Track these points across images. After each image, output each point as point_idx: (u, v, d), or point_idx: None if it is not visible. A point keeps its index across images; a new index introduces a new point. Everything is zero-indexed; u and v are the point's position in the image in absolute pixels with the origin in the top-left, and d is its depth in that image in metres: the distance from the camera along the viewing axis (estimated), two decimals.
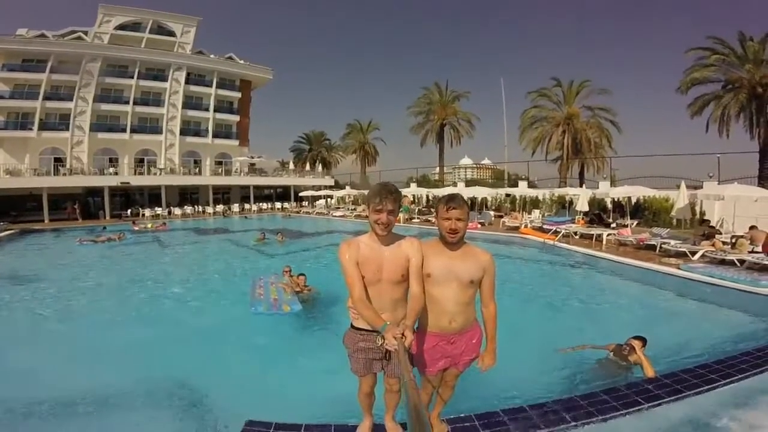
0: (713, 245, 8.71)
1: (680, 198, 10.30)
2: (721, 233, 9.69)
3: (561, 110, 24.70)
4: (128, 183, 27.07)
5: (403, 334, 1.78)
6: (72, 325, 6.72)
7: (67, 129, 27.41)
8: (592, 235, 11.91)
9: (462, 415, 2.96)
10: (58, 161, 26.97)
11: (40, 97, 26.41)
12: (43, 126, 26.89)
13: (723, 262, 8.14)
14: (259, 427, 2.91)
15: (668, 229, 10.70)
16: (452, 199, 2.21)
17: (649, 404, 3.06)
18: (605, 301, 7.28)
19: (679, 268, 7.99)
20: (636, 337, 4.26)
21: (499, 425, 2.84)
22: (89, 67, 27.96)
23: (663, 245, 9.60)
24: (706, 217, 11.74)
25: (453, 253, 2.24)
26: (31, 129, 26.44)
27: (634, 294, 7.75)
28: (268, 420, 3.00)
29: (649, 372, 3.98)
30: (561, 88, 24.89)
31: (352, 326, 2.37)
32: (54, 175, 25.03)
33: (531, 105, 25.90)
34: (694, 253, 8.82)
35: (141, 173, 28.77)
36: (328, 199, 31.06)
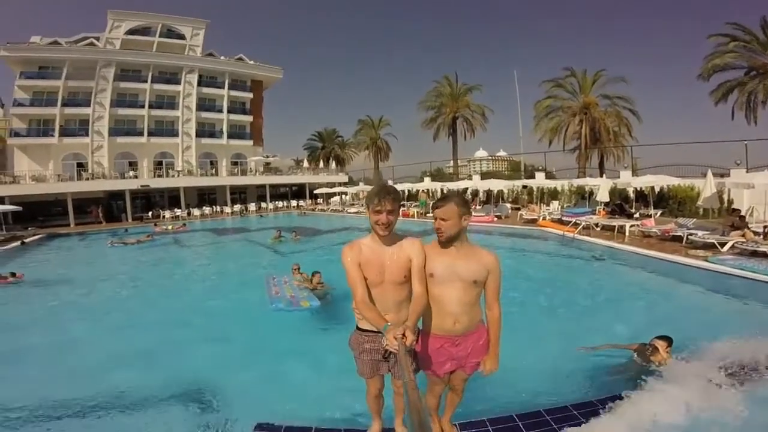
0: (744, 236, 8.26)
1: (707, 186, 9.82)
2: (749, 225, 9.12)
3: (577, 100, 24.18)
4: (148, 186, 27.62)
5: (403, 335, 1.75)
6: (99, 323, 6.87)
7: (87, 134, 28.13)
8: (614, 226, 11.53)
9: (474, 419, 2.90)
10: (80, 166, 27.74)
11: (59, 103, 27.18)
12: (64, 132, 27.66)
13: (754, 254, 7.69)
14: (269, 430, 2.91)
15: (694, 219, 10.23)
16: (439, 199, 2.24)
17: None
18: (629, 297, 6.98)
19: (707, 261, 7.61)
20: (661, 337, 4.04)
21: (514, 431, 2.76)
22: (104, 72, 28.61)
23: (690, 236, 9.18)
24: (735, 207, 11.15)
25: (457, 253, 2.22)
26: (52, 135, 27.24)
27: (659, 289, 7.40)
28: (278, 423, 3.00)
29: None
30: (576, 77, 24.31)
31: (357, 328, 2.37)
32: (77, 180, 25.73)
33: (545, 95, 25.40)
34: (723, 245, 8.40)
35: (160, 176, 29.31)
36: (343, 196, 31.11)
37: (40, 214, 23.76)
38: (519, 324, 5.76)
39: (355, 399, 3.25)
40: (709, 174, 9.97)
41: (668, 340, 3.99)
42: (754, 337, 4.70)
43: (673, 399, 3.08)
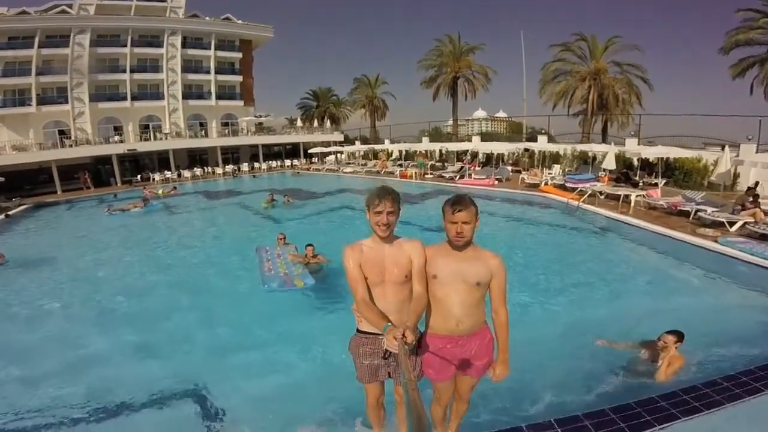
0: (754, 215, 7.89)
1: (722, 162, 9.42)
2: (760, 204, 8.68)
3: (587, 65, 23.59)
4: (135, 150, 26.92)
5: (403, 335, 1.70)
6: (91, 309, 6.65)
7: (67, 102, 27.11)
8: (619, 195, 11.17)
9: None
10: (63, 134, 26.91)
11: (33, 72, 26.03)
12: (42, 101, 26.68)
13: (764, 237, 7.30)
14: None
15: (703, 193, 9.86)
16: (458, 202, 2.12)
17: (661, 426, 2.75)
18: (636, 280, 6.69)
19: (716, 242, 7.27)
20: (671, 332, 3.81)
21: None
22: (79, 39, 27.12)
23: (698, 212, 8.86)
24: (741, 182, 10.69)
25: (461, 254, 2.19)
26: (29, 104, 26.29)
27: (664, 271, 7.10)
28: None
29: (660, 375, 3.66)
30: (586, 42, 23.52)
31: (357, 330, 2.35)
32: (60, 147, 24.98)
33: (553, 59, 24.60)
34: (732, 224, 8.04)
35: (147, 139, 28.51)
36: (338, 155, 30.43)
37: (24, 183, 23.07)
38: (522, 312, 5.60)
39: (354, 402, 3.13)
40: (726, 150, 9.56)
41: (678, 335, 3.78)
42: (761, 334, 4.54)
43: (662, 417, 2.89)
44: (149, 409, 3.85)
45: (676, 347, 3.76)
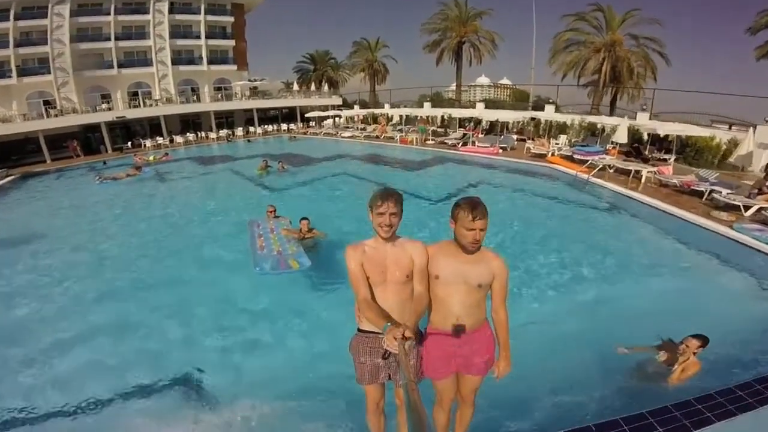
0: None
1: (745, 143, 8.90)
2: None
3: (602, 36, 22.70)
4: (124, 117, 26.10)
5: (403, 335, 1.68)
6: (77, 291, 6.37)
7: (49, 72, 26.09)
8: (630, 170, 10.70)
9: None
10: (48, 104, 25.99)
11: (11, 44, 24.88)
12: (23, 72, 25.68)
13: None
14: None
15: (717, 173, 9.39)
16: (476, 208, 2.06)
17: None
18: (642, 267, 6.26)
19: (731, 228, 6.85)
20: (697, 336, 3.56)
21: None
22: (57, 9, 25.74)
23: (712, 193, 8.44)
24: (753, 163, 10.11)
25: (464, 256, 2.18)
26: (10, 76, 25.28)
27: (675, 259, 6.63)
28: None
29: (673, 381, 3.49)
30: (603, 12, 22.44)
31: (358, 330, 2.33)
32: (46, 117, 24.16)
33: (566, 28, 23.61)
34: (747, 208, 7.58)
35: (136, 106, 27.65)
36: (336, 119, 29.52)
37: (11, 154, 22.47)
38: (526, 298, 5.35)
39: (351, 394, 2.99)
40: (750, 132, 9.03)
41: (703, 340, 3.52)
42: None
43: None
44: (138, 391, 3.81)
45: (696, 353, 3.54)
